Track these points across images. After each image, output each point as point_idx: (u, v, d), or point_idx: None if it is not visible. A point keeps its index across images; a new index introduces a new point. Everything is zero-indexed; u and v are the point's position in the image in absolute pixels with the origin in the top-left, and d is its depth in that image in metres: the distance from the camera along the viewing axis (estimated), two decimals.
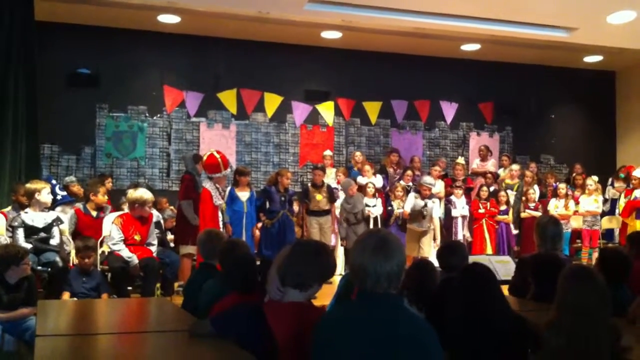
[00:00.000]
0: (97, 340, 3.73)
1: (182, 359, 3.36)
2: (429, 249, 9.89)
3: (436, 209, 10.20)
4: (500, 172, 11.97)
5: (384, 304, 2.48)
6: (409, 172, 11.11)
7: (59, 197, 8.40)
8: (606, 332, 3.27)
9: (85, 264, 6.63)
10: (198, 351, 3.37)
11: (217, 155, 8.43)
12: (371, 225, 10.03)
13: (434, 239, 10.11)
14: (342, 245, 10.14)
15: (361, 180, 10.60)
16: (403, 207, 10.15)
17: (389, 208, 10.46)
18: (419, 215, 9.85)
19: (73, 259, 7.27)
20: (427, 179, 10.13)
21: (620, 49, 11.72)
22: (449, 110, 12.99)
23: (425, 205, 9.84)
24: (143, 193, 7.36)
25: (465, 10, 9.85)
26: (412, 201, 9.96)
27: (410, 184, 11.07)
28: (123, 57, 11.11)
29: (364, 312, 2.48)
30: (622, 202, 10.96)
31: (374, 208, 10.20)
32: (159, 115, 11.46)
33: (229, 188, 9.31)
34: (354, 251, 2.60)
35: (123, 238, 7.11)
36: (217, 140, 11.58)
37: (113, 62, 11.06)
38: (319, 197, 10.00)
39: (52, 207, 7.71)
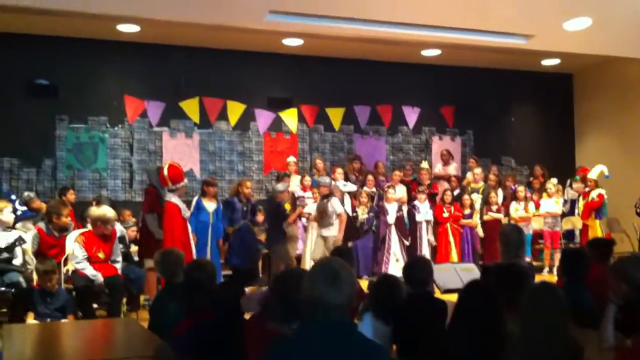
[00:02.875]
0: None
1: None
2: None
3: (338, 206, 9.77)
4: (468, 175, 12.13)
5: (335, 333, 2.49)
6: (370, 177, 11.15)
7: (19, 213, 8.26)
8: (569, 346, 3.36)
9: (48, 287, 6.52)
10: None
11: (177, 164, 8.45)
12: None
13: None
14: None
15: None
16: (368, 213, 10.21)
17: (354, 214, 10.52)
18: (322, 212, 9.64)
19: (36, 279, 7.15)
20: (323, 178, 10.07)
21: (577, 55, 11.94)
22: (412, 115, 13.09)
23: (324, 201, 9.70)
24: (106, 211, 7.25)
25: (424, 19, 9.92)
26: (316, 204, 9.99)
27: (374, 189, 11.13)
28: (82, 67, 10.94)
29: (314, 340, 2.49)
30: (581, 204, 11.19)
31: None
32: (120, 126, 11.33)
33: (195, 198, 9.39)
34: (306, 282, 2.60)
35: (86, 256, 7.01)
36: (180, 149, 11.49)
37: (72, 73, 10.90)
38: (286, 205, 10.04)
39: (13, 223, 7.56)
